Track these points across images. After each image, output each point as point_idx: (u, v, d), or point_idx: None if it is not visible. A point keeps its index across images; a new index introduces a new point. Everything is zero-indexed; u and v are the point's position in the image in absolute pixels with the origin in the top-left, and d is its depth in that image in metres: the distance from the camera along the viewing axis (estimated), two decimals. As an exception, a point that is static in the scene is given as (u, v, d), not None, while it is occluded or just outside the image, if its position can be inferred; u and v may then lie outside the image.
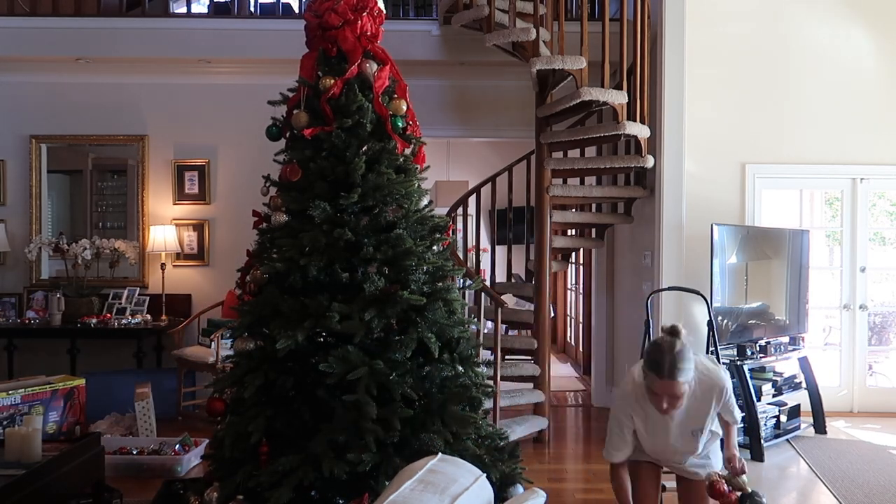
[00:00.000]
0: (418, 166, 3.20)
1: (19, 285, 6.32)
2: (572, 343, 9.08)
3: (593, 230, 6.27)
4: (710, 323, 4.51)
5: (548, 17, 5.28)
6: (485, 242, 8.75)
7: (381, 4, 3.22)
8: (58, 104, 6.35)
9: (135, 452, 4.57)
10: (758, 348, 5.34)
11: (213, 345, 5.49)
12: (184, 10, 6.52)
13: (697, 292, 4.51)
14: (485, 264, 8.68)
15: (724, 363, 4.75)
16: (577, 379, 7.82)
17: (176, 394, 5.77)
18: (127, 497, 3.88)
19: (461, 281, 4.54)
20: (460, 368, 3.01)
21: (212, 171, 6.41)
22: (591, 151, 6.03)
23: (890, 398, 6.19)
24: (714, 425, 3.01)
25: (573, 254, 7.54)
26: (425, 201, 3.19)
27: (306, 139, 3.03)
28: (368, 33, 3.12)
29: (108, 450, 4.28)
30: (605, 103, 4.98)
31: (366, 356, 2.79)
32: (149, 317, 6.02)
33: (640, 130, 5.04)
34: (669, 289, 4.76)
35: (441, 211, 3.96)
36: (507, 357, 5.65)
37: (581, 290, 8.26)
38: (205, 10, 7.10)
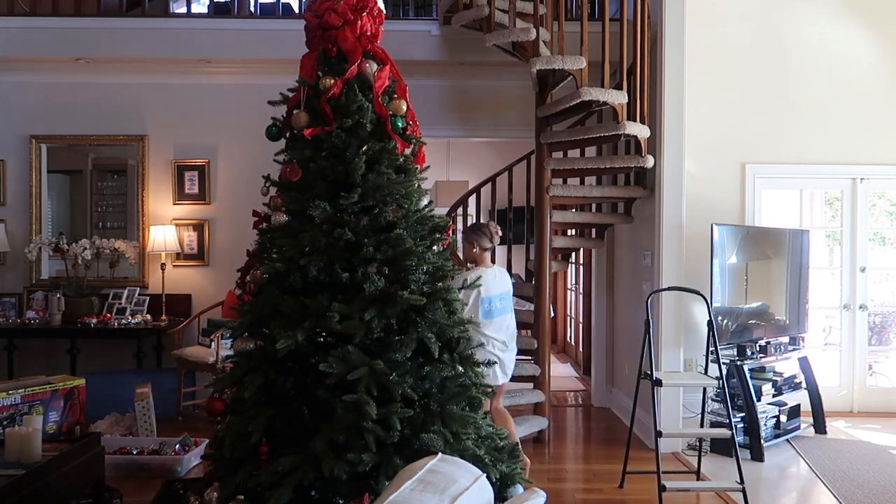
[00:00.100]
0: (418, 166, 3.20)
1: (19, 285, 6.32)
2: (572, 343, 9.08)
3: (593, 230, 6.27)
4: (710, 323, 4.51)
5: (548, 17, 5.28)
6: (485, 242, 8.73)
7: (381, 4, 3.21)
8: (58, 104, 6.35)
9: (135, 452, 4.57)
10: (758, 348, 5.34)
11: (213, 345, 5.49)
12: (184, 10, 6.52)
13: (697, 292, 4.51)
14: (485, 264, 8.67)
15: (724, 363, 4.76)
16: (577, 379, 7.82)
17: (176, 394, 5.77)
18: (127, 497, 3.88)
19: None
20: (460, 368, 3.01)
21: (212, 171, 6.41)
22: (591, 151, 6.03)
23: (890, 398, 6.20)
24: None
25: (573, 254, 7.54)
26: (425, 201, 3.19)
27: (306, 139, 3.03)
28: (368, 33, 3.12)
29: (108, 450, 4.28)
30: (605, 103, 4.98)
31: (366, 356, 2.79)
32: (149, 317, 6.03)
33: (640, 130, 5.04)
34: (669, 289, 4.76)
35: (441, 211, 3.95)
36: (507, 357, 5.65)
37: (581, 290, 8.26)
38: (205, 10, 7.10)
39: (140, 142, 6.38)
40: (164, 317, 6.11)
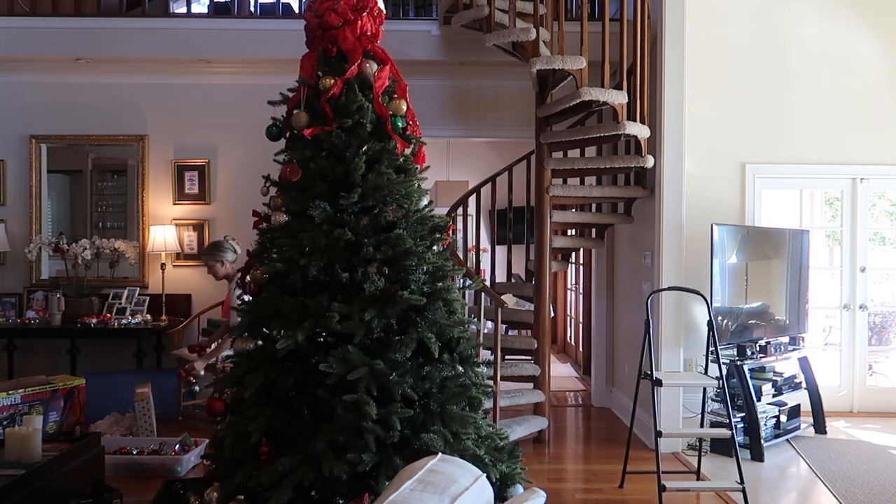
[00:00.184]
0: (418, 166, 3.20)
1: (19, 285, 6.32)
2: (572, 343, 9.08)
3: (593, 230, 6.27)
4: (710, 323, 4.51)
5: (548, 17, 5.28)
6: (485, 242, 8.75)
7: (381, 4, 3.21)
8: (58, 104, 6.35)
9: (135, 452, 4.57)
10: (758, 348, 5.34)
11: (214, 345, 5.48)
12: (184, 10, 6.52)
13: (697, 292, 4.51)
14: (485, 264, 8.68)
15: (724, 363, 4.76)
16: (577, 379, 7.82)
17: (176, 394, 5.77)
18: (127, 497, 3.88)
19: (461, 281, 4.54)
20: (460, 368, 3.01)
21: (212, 171, 6.41)
22: (591, 151, 6.03)
23: (890, 398, 6.20)
24: None
25: (573, 254, 7.54)
26: (425, 201, 3.18)
27: (306, 139, 3.03)
28: (368, 33, 3.12)
29: (108, 450, 4.28)
30: (605, 103, 4.98)
31: (366, 356, 2.79)
32: (149, 317, 6.03)
33: (640, 130, 5.04)
34: (669, 289, 4.76)
35: (441, 211, 3.96)
36: (507, 357, 5.65)
37: (581, 290, 8.26)
38: (205, 10, 7.10)
39: (140, 142, 6.38)
40: (164, 317, 6.11)
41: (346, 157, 2.98)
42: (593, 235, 6.32)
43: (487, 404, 4.00)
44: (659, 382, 4.31)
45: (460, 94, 6.45)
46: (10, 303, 6.24)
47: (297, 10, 6.44)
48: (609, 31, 4.98)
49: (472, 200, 6.36)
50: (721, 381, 4.28)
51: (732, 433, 4.28)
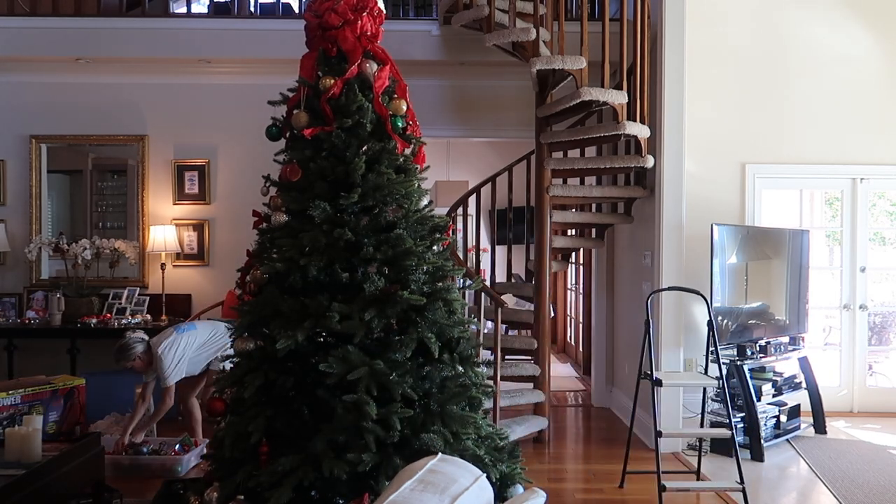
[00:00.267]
0: (418, 166, 3.20)
1: (19, 285, 6.32)
2: (572, 343, 9.08)
3: (593, 230, 6.27)
4: (710, 323, 4.51)
5: (548, 17, 5.28)
6: (485, 242, 8.75)
7: (381, 4, 3.21)
8: (58, 104, 6.35)
9: (137, 452, 4.57)
10: (758, 348, 5.34)
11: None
12: (184, 10, 6.51)
13: (697, 292, 4.51)
14: (485, 264, 8.68)
15: (724, 363, 4.76)
16: (577, 379, 7.82)
17: (176, 394, 5.75)
18: (127, 497, 3.88)
19: (461, 281, 4.54)
20: (460, 368, 3.01)
21: (212, 171, 6.41)
22: (591, 151, 6.03)
23: (890, 398, 6.20)
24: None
25: (573, 254, 7.54)
26: (425, 201, 3.19)
27: (306, 139, 3.03)
28: (368, 33, 3.12)
29: (108, 450, 4.28)
30: (605, 103, 4.98)
31: (366, 356, 2.79)
32: (149, 317, 6.02)
33: (640, 130, 5.04)
34: (669, 289, 4.76)
35: (441, 211, 3.96)
36: (507, 357, 5.65)
37: (581, 290, 8.26)
38: (205, 10, 7.10)
39: (140, 142, 6.38)
40: (164, 317, 6.11)
41: (346, 157, 2.98)
42: (593, 235, 6.32)
43: (487, 404, 4.00)
44: (659, 382, 4.31)
45: (460, 94, 6.45)
46: (10, 303, 6.24)
47: (297, 10, 6.44)
48: (609, 31, 4.98)
49: (472, 200, 6.36)
50: (721, 381, 4.28)
51: (732, 433, 4.28)
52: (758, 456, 4.90)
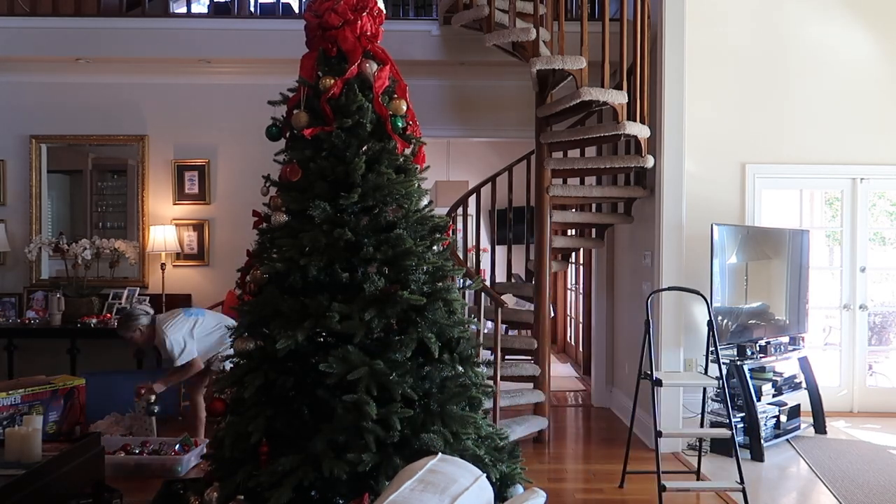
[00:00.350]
0: (418, 166, 3.20)
1: (19, 285, 6.32)
2: (572, 343, 9.08)
3: (593, 230, 6.27)
4: (710, 323, 4.51)
5: (548, 17, 5.28)
6: (485, 242, 8.75)
7: (381, 4, 3.22)
8: (58, 104, 6.35)
9: (137, 452, 4.57)
10: (758, 348, 5.34)
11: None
12: (184, 10, 6.52)
13: (697, 292, 4.51)
14: (485, 264, 8.68)
15: (724, 363, 4.76)
16: (577, 379, 7.82)
17: (176, 394, 5.77)
18: (127, 497, 3.88)
19: (461, 281, 4.54)
20: (460, 368, 3.01)
21: (212, 171, 6.41)
22: (591, 151, 6.03)
23: (890, 398, 6.20)
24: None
25: (573, 254, 7.54)
26: (425, 201, 3.19)
27: (306, 139, 3.03)
28: (368, 33, 3.12)
29: (108, 450, 4.28)
30: (605, 103, 4.98)
31: (366, 356, 2.79)
32: (149, 317, 6.02)
33: (640, 130, 5.04)
34: (669, 289, 4.76)
35: (441, 211, 3.96)
36: (507, 357, 5.65)
37: (581, 290, 8.26)
38: (205, 10, 7.10)
39: (140, 142, 6.38)
40: (164, 317, 6.11)
41: (346, 157, 2.98)
42: (593, 235, 6.32)
43: (487, 404, 4.00)
44: (659, 382, 4.31)
45: (460, 94, 6.45)
46: (10, 303, 6.24)
47: (297, 10, 6.44)
48: (609, 31, 4.98)
49: (472, 200, 6.36)
50: (721, 381, 4.28)
51: (732, 433, 4.28)
52: (758, 456, 4.90)
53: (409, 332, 2.86)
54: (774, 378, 5.43)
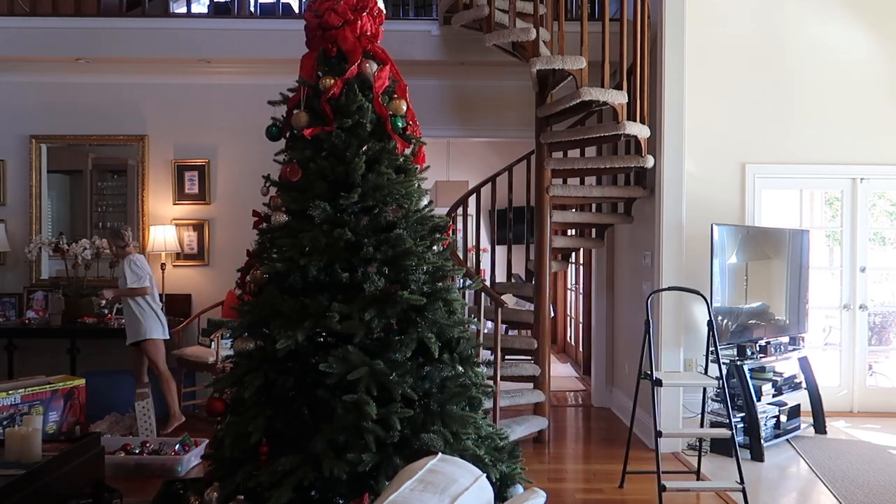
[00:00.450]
0: (418, 166, 3.21)
1: (19, 285, 6.32)
2: (572, 343, 9.08)
3: (593, 230, 6.27)
4: (710, 323, 4.51)
5: (548, 17, 5.28)
6: (485, 242, 8.75)
7: (381, 4, 3.22)
8: (58, 104, 6.35)
9: (137, 452, 4.57)
10: (758, 348, 5.34)
11: (213, 345, 5.49)
12: (184, 10, 6.52)
13: (697, 292, 4.51)
14: (485, 264, 8.68)
15: (724, 363, 4.76)
16: (577, 379, 7.82)
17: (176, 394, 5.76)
18: (127, 497, 3.88)
19: (461, 281, 4.54)
20: (460, 368, 3.01)
21: (212, 171, 6.41)
22: (591, 151, 6.03)
23: (890, 398, 6.20)
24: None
25: (573, 254, 7.54)
26: (425, 201, 3.19)
27: (306, 139, 3.04)
28: (368, 33, 3.12)
29: (108, 450, 4.28)
30: (605, 103, 4.98)
31: (366, 356, 2.79)
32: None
33: (640, 130, 5.04)
34: (669, 289, 4.76)
35: (441, 211, 3.96)
36: (507, 357, 5.65)
37: (581, 290, 8.26)
38: (205, 10, 7.10)
39: (140, 142, 6.38)
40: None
41: (346, 157, 2.98)
42: (593, 235, 6.32)
43: (487, 404, 4.00)
44: (659, 382, 4.31)
45: (460, 94, 6.45)
46: (10, 303, 6.24)
47: (297, 10, 6.44)
48: (609, 31, 4.98)
49: (472, 200, 6.36)
50: (721, 381, 4.28)
51: (732, 433, 4.28)
52: (758, 456, 4.90)
53: (409, 332, 2.86)
54: (774, 378, 5.43)
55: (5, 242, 6.24)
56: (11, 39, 5.85)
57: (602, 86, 4.95)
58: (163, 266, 6.17)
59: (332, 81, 3.02)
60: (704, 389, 4.68)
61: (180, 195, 6.41)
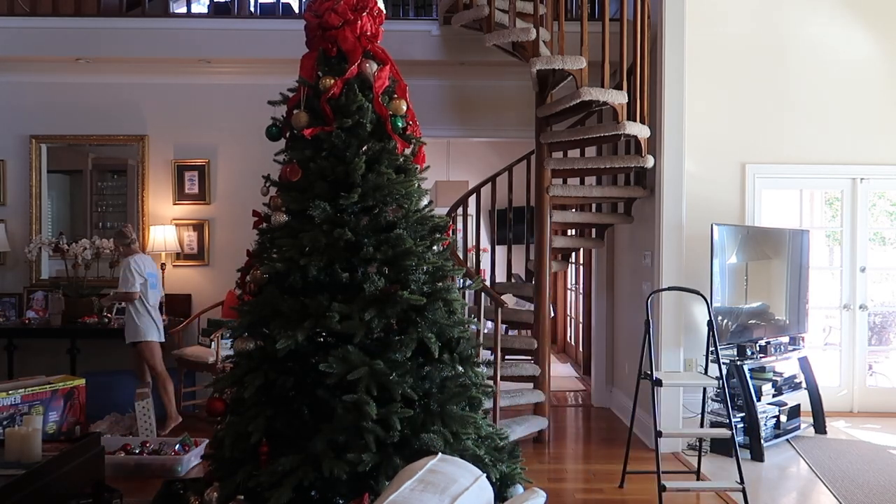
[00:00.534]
0: (418, 166, 3.21)
1: (19, 285, 6.32)
2: (572, 343, 9.08)
3: (593, 230, 6.27)
4: (710, 323, 4.51)
5: (548, 17, 5.28)
6: (485, 242, 8.75)
7: (381, 4, 3.22)
8: (58, 104, 6.35)
9: (137, 452, 4.57)
10: (758, 348, 5.34)
11: (213, 345, 5.49)
12: (184, 10, 6.51)
13: (697, 292, 4.51)
14: (485, 264, 8.68)
15: (724, 363, 4.76)
16: (577, 379, 7.82)
17: (176, 394, 5.76)
18: (127, 497, 3.88)
19: (461, 281, 4.54)
20: (460, 368, 3.01)
21: (212, 171, 6.41)
22: (591, 151, 6.03)
23: (890, 398, 6.20)
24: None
25: (573, 254, 7.54)
26: (425, 201, 3.19)
27: (306, 139, 3.04)
28: (368, 33, 3.12)
29: (108, 450, 4.28)
30: (605, 103, 4.98)
31: (366, 356, 2.79)
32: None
33: (640, 130, 5.04)
34: (669, 289, 4.76)
35: (441, 211, 3.96)
36: (507, 357, 5.65)
37: (581, 290, 8.26)
38: (205, 10, 7.10)
39: (140, 142, 6.38)
40: (164, 317, 6.09)
41: (346, 157, 2.98)
42: (593, 235, 6.32)
43: (487, 404, 4.00)
44: (659, 382, 4.31)
45: (460, 94, 6.45)
46: (10, 303, 6.24)
47: (297, 10, 6.44)
48: (609, 31, 4.98)
49: (472, 200, 6.36)
50: (721, 381, 4.28)
51: (732, 433, 4.28)
52: (758, 456, 4.90)
53: (409, 332, 2.86)
54: (774, 378, 5.43)
55: (5, 242, 6.24)
56: (11, 39, 5.85)
57: (602, 86, 4.95)
58: (163, 266, 6.17)
59: (332, 81, 3.02)
60: (704, 389, 4.68)
61: (180, 195, 6.41)
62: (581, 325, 8.27)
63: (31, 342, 6.13)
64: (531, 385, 5.42)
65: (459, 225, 6.36)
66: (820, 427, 5.56)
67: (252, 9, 6.32)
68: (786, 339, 5.66)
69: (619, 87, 5.07)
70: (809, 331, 5.92)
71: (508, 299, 6.06)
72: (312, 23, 3.14)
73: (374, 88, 3.08)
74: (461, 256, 6.53)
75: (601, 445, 5.40)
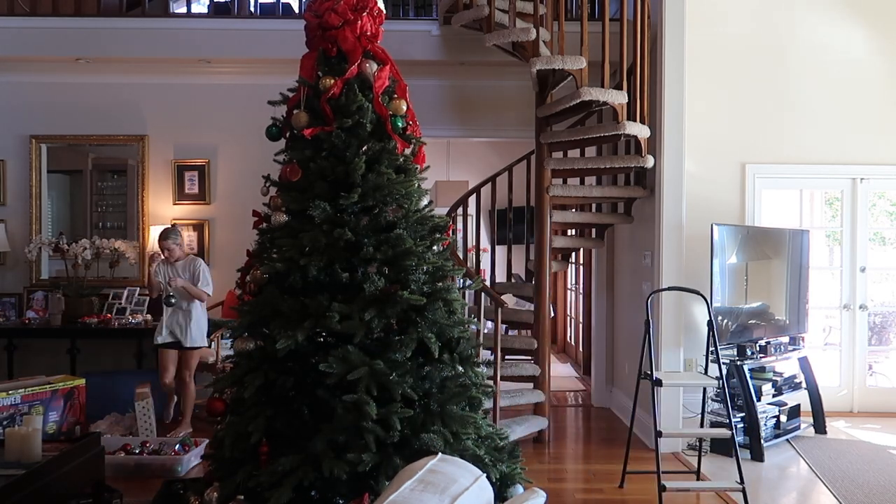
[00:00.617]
0: (418, 166, 3.21)
1: (19, 285, 6.32)
2: (572, 343, 9.08)
3: (593, 230, 6.27)
4: (710, 323, 4.51)
5: (548, 17, 5.28)
6: (485, 242, 8.75)
7: (381, 4, 3.22)
8: (58, 104, 6.35)
9: (137, 452, 4.57)
10: (758, 348, 5.34)
11: (213, 345, 5.49)
12: (184, 10, 6.52)
13: (697, 292, 4.51)
14: (485, 264, 8.68)
15: (724, 363, 4.76)
16: (577, 379, 7.82)
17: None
18: (127, 497, 3.88)
19: (461, 281, 4.55)
20: (460, 368, 3.01)
21: (212, 171, 6.41)
22: (591, 151, 6.03)
23: (890, 398, 6.20)
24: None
25: (573, 254, 7.54)
26: (425, 201, 3.19)
27: (306, 139, 3.04)
28: (368, 33, 3.12)
29: (108, 450, 4.28)
30: (605, 103, 4.98)
31: (366, 356, 2.79)
32: (149, 317, 6.01)
33: (640, 130, 5.04)
34: (669, 289, 4.76)
35: (441, 211, 3.96)
36: (507, 357, 5.65)
37: (581, 290, 8.26)
38: (205, 10, 7.10)
39: (140, 142, 6.38)
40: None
41: (346, 157, 2.98)
42: (593, 235, 6.32)
43: (487, 404, 4.00)
44: (659, 382, 4.31)
45: (460, 94, 6.45)
46: (10, 303, 6.24)
47: (297, 10, 6.44)
48: (609, 31, 4.98)
49: (472, 200, 6.36)
50: (721, 381, 4.28)
51: (732, 433, 4.28)
52: (758, 456, 4.90)
53: (409, 332, 2.86)
54: (774, 378, 5.43)
55: (5, 242, 6.24)
56: (11, 39, 5.85)
57: (602, 86, 4.95)
58: (163, 266, 6.16)
59: (332, 81, 3.02)
60: (704, 389, 4.68)
61: (180, 195, 6.41)
62: (581, 325, 8.27)
63: (31, 342, 6.14)
64: (531, 385, 5.42)
65: (459, 225, 6.36)
66: (820, 427, 5.56)
67: (252, 9, 6.32)
68: (786, 339, 5.66)
69: (619, 87, 5.07)
70: (809, 331, 5.92)
71: (508, 299, 6.06)
72: (312, 23, 3.14)
73: (374, 88, 3.08)
74: (461, 256, 6.53)
75: (601, 445, 5.40)
